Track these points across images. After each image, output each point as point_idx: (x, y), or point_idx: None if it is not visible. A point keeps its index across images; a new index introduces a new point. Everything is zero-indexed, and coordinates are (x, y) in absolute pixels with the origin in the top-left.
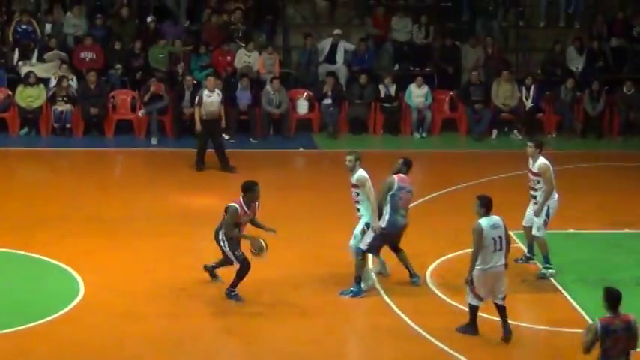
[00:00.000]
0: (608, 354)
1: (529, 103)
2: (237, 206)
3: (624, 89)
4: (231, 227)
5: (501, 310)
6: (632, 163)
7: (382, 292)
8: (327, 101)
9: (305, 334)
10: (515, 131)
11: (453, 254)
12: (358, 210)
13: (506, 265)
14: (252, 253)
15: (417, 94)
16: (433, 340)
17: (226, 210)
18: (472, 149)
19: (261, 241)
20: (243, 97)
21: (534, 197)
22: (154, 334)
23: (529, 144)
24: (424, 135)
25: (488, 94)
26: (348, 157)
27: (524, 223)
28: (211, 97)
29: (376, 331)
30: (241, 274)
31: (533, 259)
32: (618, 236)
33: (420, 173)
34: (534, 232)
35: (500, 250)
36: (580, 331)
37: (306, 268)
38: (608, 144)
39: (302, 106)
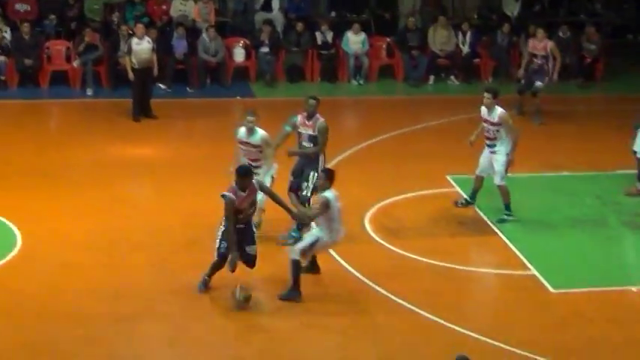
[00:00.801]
0: None
1: (465, 49)
2: (232, 196)
3: (560, 33)
4: (232, 219)
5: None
6: (568, 107)
7: None
8: (264, 49)
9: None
10: (452, 77)
11: (391, 200)
12: (258, 167)
13: None
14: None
15: (354, 40)
16: (371, 283)
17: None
18: (409, 95)
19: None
20: (179, 46)
21: (491, 147)
22: (93, 285)
23: (486, 94)
24: (361, 82)
25: (425, 40)
26: (250, 118)
27: (477, 172)
28: (141, 45)
29: (316, 278)
30: (215, 267)
31: (472, 204)
32: (556, 179)
33: (357, 120)
34: (498, 182)
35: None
36: (519, 273)
37: None
38: (544, 88)
39: (239, 55)
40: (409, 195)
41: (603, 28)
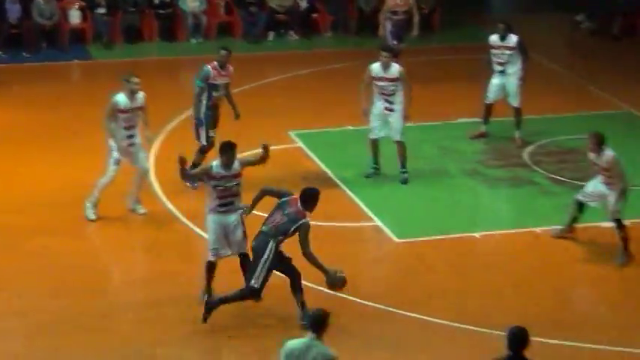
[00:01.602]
0: None
1: (304, 4)
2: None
3: None
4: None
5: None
6: (406, 58)
7: (167, 203)
8: (100, 10)
9: (103, 246)
10: (292, 32)
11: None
12: (133, 136)
13: None
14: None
15: None
16: None
17: (298, 227)
18: (249, 52)
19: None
20: (13, 10)
21: (390, 103)
22: None
23: (384, 53)
24: (200, 40)
25: None
26: (136, 80)
27: (372, 136)
28: None
29: (166, 239)
30: (244, 296)
31: (379, 169)
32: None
33: None
34: (399, 138)
35: None
36: (363, 224)
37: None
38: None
39: (74, 17)
40: (251, 152)
41: None
